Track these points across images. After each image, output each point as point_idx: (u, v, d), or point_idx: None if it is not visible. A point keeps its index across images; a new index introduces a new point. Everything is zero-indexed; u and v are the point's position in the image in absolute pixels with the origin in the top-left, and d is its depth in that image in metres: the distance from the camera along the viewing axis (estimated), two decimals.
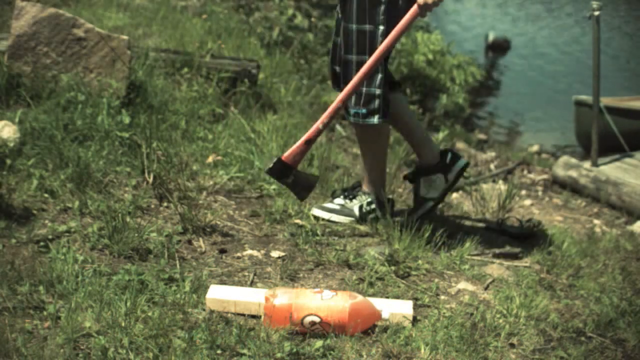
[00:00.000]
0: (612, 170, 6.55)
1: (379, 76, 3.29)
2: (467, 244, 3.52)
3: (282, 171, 3.25)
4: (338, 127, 6.29)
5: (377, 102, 3.32)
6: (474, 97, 10.26)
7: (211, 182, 3.75)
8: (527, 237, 3.89)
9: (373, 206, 3.57)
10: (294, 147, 3.23)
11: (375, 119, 3.33)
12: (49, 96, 3.98)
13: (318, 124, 3.20)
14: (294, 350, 2.39)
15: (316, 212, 3.57)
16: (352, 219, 3.56)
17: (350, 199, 3.60)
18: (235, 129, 4.51)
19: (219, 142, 4.23)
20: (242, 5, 8.11)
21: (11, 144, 3.49)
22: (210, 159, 3.90)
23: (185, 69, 5.04)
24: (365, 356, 2.47)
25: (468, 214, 4.41)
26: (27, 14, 4.08)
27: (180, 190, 3.48)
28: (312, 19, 8.17)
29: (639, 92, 9.18)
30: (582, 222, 5.59)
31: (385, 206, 3.57)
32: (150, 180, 3.53)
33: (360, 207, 3.57)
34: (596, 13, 5.99)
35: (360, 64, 3.25)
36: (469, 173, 6.57)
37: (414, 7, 3.13)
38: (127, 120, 3.90)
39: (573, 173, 6.68)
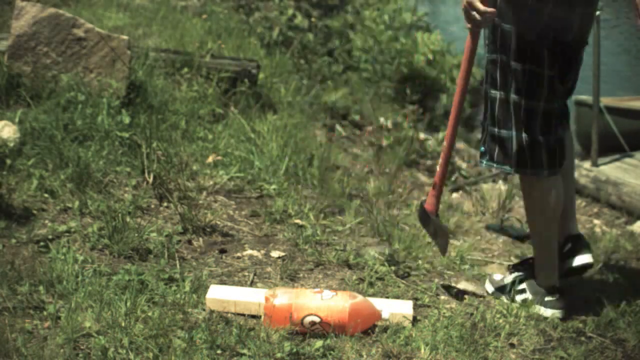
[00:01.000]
0: (612, 170, 6.55)
1: (508, 116, 2.79)
2: (467, 244, 3.52)
3: (423, 217, 3.06)
4: (338, 127, 6.29)
5: (491, 144, 2.85)
6: (474, 97, 10.25)
7: (211, 182, 3.75)
8: (527, 237, 3.88)
9: (523, 286, 3.01)
10: (429, 193, 3.03)
11: (486, 161, 2.87)
12: (49, 96, 3.98)
13: (438, 167, 2.96)
14: (294, 350, 2.39)
15: (488, 288, 3.13)
16: (503, 295, 3.06)
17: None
18: (235, 129, 4.51)
19: (219, 142, 4.23)
20: (242, 5, 8.11)
21: (11, 144, 3.49)
22: (210, 159, 3.90)
23: (185, 69, 5.04)
24: (365, 356, 2.47)
25: (468, 214, 4.41)
26: (27, 14, 4.08)
27: (180, 190, 3.48)
28: (312, 19, 8.16)
29: (639, 92, 9.17)
30: (582, 222, 5.59)
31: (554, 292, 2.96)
32: (150, 180, 3.53)
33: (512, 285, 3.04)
34: (596, 13, 5.99)
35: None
36: (468, 173, 6.57)
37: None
38: (127, 120, 3.90)
39: None
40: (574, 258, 3.00)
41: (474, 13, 2.67)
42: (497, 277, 3.13)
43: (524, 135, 2.77)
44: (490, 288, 3.10)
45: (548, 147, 2.78)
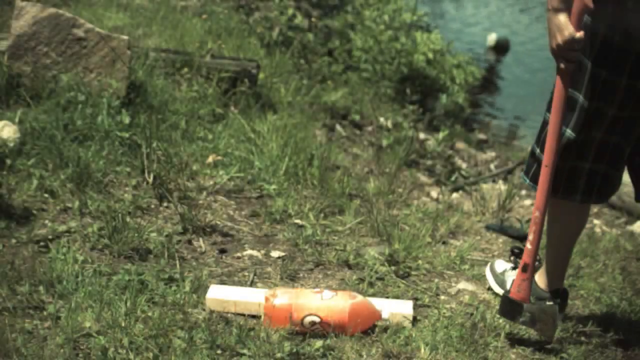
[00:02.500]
0: None
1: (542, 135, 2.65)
2: (467, 244, 3.52)
3: (511, 310, 2.67)
4: (338, 127, 6.29)
5: (530, 160, 2.76)
6: (474, 97, 10.26)
7: (211, 182, 3.75)
8: (527, 237, 3.88)
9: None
10: (515, 279, 2.69)
11: (523, 175, 2.79)
12: (49, 96, 3.98)
13: (526, 243, 2.65)
14: (294, 350, 2.39)
15: (488, 275, 3.12)
16: (501, 291, 2.99)
17: (513, 268, 3.04)
18: (235, 129, 4.51)
19: (219, 142, 4.23)
20: (242, 5, 8.10)
21: (11, 144, 3.49)
22: (210, 159, 3.90)
23: (185, 69, 5.03)
24: (365, 356, 2.47)
25: (468, 214, 4.41)
26: (27, 14, 4.08)
27: (180, 190, 3.48)
28: (312, 19, 8.16)
29: None
30: None
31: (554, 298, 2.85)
32: (150, 180, 3.53)
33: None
34: None
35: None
36: (468, 173, 6.57)
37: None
38: (127, 120, 3.90)
39: None
40: None
41: (572, 51, 2.43)
42: (499, 267, 3.08)
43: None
44: (490, 278, 3.07)
45: (589, 176, 2.66)
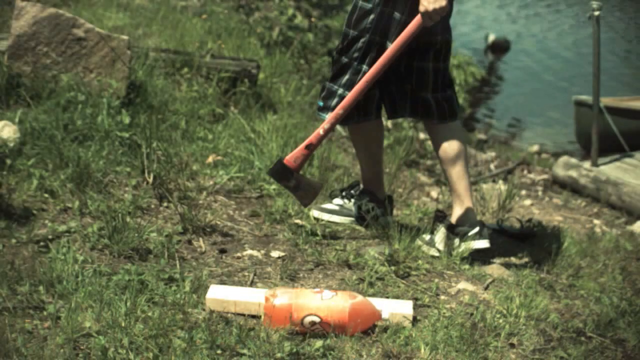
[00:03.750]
0: (612, 170, 6.56)
1: (346, 77, 3.28)
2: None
3: (282, 173, 3.23)
4: (338, 127, 6.29)
5: (335, 100, 3.29)
6: (474, 97, 10.27)
7: (211, 182, 3.75)
8: (527, 237, 3.89)
9: (372, 205, 3.49)
10: (296, 150, 3.23)
11: (326, 116, 3.29)
12: (49, 96, 3.98)
13: (319, 129, 3.20)
14: (294, 350, 2.39)
15: (316, 213, 3.58)
16: (352, 219, 3.58)
17: (349, 199, 3.61)
18: (235, 129, 4.51)
19: (219, 142, 4.23)
20: (242, 5, 8.11)
21: (11, 144, 3.49)
22: (210, 159, 3.90)
23: (185, 69, 5.04)
24: (365, 356, 2.47)
25: None
26: (27, 14, 4.08)
27: (180, 190, 3.48)
28: (312, 19, 8.17)
29: (639, 92, 9.18)
30: (582, 222, 5.60)
31: (384, 205, 3.61)
32: (150, 180, 3.53)
33: (359, 207, 3.52)
34: (596, 13, 6.00)
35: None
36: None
37: (417, 17, 3.09)
38: (127, 120, 3.90)
39: (573, 173, 6.69)
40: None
41: (437, 15, 3.06)
42: (329, 206, 3.62)
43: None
44: (326, 216, 3.58)
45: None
